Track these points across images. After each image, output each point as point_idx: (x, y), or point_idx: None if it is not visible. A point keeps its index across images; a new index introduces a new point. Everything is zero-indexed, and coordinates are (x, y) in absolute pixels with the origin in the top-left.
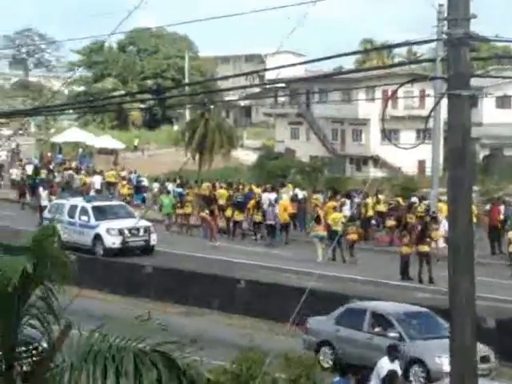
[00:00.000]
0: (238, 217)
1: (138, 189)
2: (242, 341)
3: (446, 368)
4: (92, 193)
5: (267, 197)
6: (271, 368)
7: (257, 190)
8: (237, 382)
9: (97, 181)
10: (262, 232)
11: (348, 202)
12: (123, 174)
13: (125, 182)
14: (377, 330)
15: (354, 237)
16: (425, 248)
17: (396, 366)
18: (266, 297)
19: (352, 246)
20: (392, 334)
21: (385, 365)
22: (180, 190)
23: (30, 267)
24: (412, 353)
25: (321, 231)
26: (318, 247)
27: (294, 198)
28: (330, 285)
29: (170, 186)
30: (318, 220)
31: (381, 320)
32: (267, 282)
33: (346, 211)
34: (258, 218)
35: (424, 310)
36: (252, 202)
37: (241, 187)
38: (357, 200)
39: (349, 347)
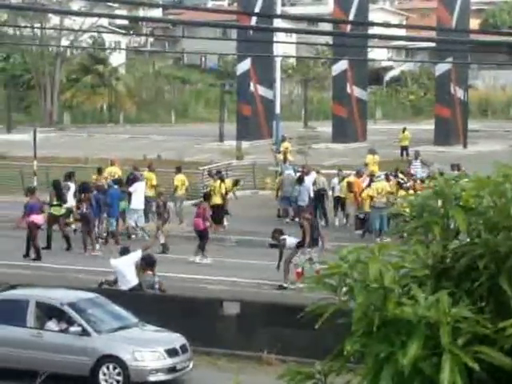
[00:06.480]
0: None
1: None
2: None
3: (150, 364)
4: None
5: None
6: None
7: None
8: None
9: None
10: None
11: None
12: None
13: None
14: (50, 324)
15: None
16: None
17: None
18: None
19: None
20: (73, 329)
21: None
22: None
23: None
24: (102, 349)
25: None
26: None
27: None
28: None
29: None
30: None
31: (52, 312)
32: None
33: None
34: None
35: (94, 295)
36: None
37: None
38: None
39: (7, 349)
